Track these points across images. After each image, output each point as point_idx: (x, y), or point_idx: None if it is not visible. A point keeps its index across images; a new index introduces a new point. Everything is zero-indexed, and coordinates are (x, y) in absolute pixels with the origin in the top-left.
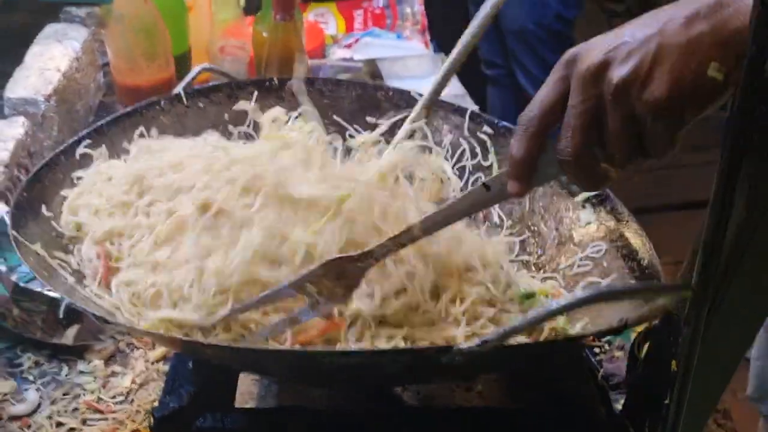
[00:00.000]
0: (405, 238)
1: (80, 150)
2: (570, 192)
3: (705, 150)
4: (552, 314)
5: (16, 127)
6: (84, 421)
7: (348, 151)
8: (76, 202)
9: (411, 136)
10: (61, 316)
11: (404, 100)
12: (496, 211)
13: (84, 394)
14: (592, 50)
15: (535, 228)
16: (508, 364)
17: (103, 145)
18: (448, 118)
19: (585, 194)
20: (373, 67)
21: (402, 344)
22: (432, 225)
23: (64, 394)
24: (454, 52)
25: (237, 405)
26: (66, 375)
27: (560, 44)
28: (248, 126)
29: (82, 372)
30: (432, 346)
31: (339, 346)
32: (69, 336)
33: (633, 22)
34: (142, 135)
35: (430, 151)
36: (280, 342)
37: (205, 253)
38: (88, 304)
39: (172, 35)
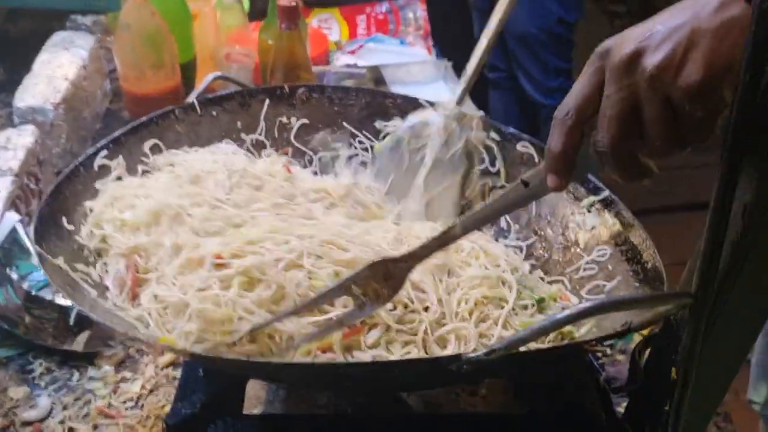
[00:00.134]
0: (447, 238)
1: (98, 161)
2: (575, 197)
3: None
4: (557, 325)
5: (26, 136)
6: (95, 427)
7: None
8: (102, 216)
9: None
10: (71, 323)
11: (412, 106)
12: (503, 216)
13: (95, 400)
14: (625, 41)
15: (542, 232)
16: (514, 370)
17: (120, 156)
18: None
19: (590, 198)
20: (376, 73)
21: (416, 351)
22: (472, 224)
23: (75, 400)
24: (470, 67)
25: (245, 410)
26: (77, 381)
27: (562, 48)
28: (260, 134)
29: (92, 378)
30: (441, 356)
31: (356, 353)
32: (80, 342)
33: (663, 13)
34: (156, 146)
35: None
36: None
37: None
38: (111, 319)
39: (178, 43)
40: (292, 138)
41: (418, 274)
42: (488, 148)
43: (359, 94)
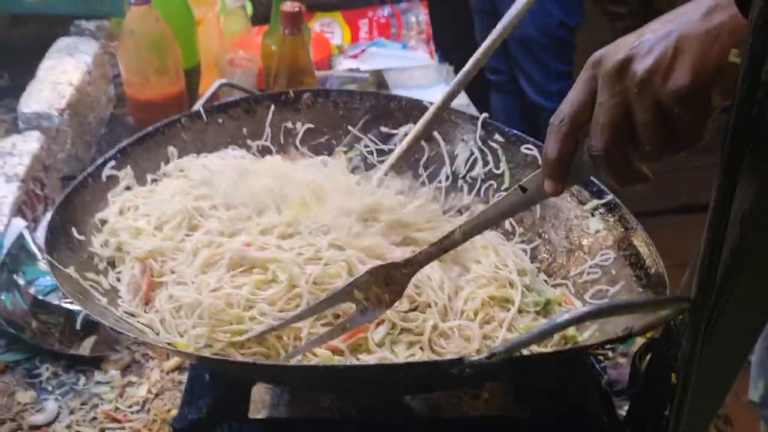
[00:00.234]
0: (447, 243)
1: (106, 171)
2: (579, 200)
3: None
4: (558, 328)
5: (32, 142)
6: (102, 431)
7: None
8: (116, 225)
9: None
10: (78, 327)
11: (417, 110)
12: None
13: (101, 404)
14: (616, 49)
15: (546, 235)
16: (516, 373)
17: (129, 166)
18: (459, 126)
19: (594, 202)
20: (379, 77)
21: (420, 352)
22: (471, 229)
23: (82, 404)
24: (464, 69)
25: (251, 414)
26: (84, 385)
27: (562, 51)
28: (266, 139)
29: (99, 382)
30: (443, 359)
31: (361, 356)
32: (86, 347)
33: (653, 22)
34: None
35: None
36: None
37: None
38: (121, 325)
39: (182, 49)
40: (297, 143)
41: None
42: (492, 150)
43: (364, 98)
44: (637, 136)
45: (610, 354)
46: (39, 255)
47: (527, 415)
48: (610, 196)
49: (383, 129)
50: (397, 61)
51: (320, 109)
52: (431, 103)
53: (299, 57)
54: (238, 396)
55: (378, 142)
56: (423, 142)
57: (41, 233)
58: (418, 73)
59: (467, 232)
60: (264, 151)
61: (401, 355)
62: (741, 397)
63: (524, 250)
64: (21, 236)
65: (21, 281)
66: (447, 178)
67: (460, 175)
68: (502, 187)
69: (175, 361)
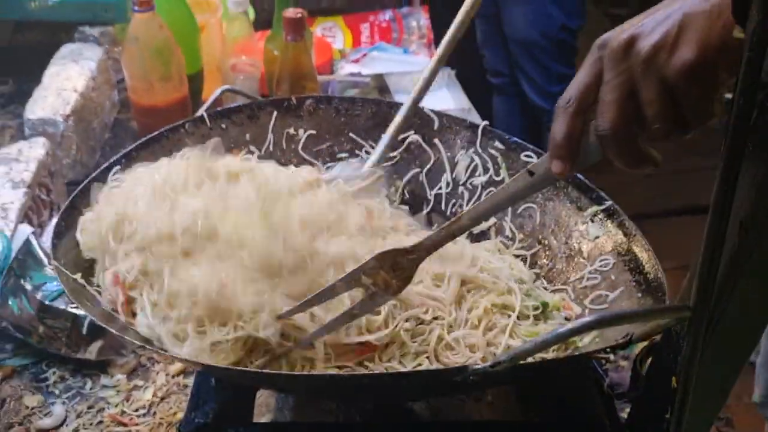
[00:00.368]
0: (455, 228)
1: (111, 176)
2: (579, 206)
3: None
4: (559, 338)
5: (37, 148)
6: None
7: None
8: (87, 227)
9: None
10: (84, 332)
11: (418, 116)
12: (507, 225)
13: (108, 408)
14: (621, 31)
15: (546, 241)
16: (518, 379)
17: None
18: (460, 133)
19: (593, 208)
20: (380, 81)
21: (427, 363)
22: (480, 214)
23: (88, 408)
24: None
25: (255, 418)
26: (90, 389)
27: (564, 54)
28: (268, 145)
29: (105, 386)
30: (448, 367)
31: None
32: (92, 351)
33: (657, 6)
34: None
35: None
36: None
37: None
38: (127, 332)
39: (185, 55)
40: (299, 149)
41: (430, 280)
42: (492, 158)
43: (365, 105)
44: (644, 114)
45: (612, 357)
46: (45, 260)
47: (530, 419)
48: (609, 202)
49: (384, 136)
50: (399, 66)
51: (322, 115)
52: (432, 110)
53: (301, 62)
54: (244, 400)
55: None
56: (427, 148)
57: (47, 238)
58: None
59: (474, 218)
60: (266, 157)
61: (408, 365)
62: (743, 398)
63: (524, 256)
64: (28, 242)
65: (28, 286)
66: (447, 185)
67: (461, 182)
68: None
69: (180, 365)
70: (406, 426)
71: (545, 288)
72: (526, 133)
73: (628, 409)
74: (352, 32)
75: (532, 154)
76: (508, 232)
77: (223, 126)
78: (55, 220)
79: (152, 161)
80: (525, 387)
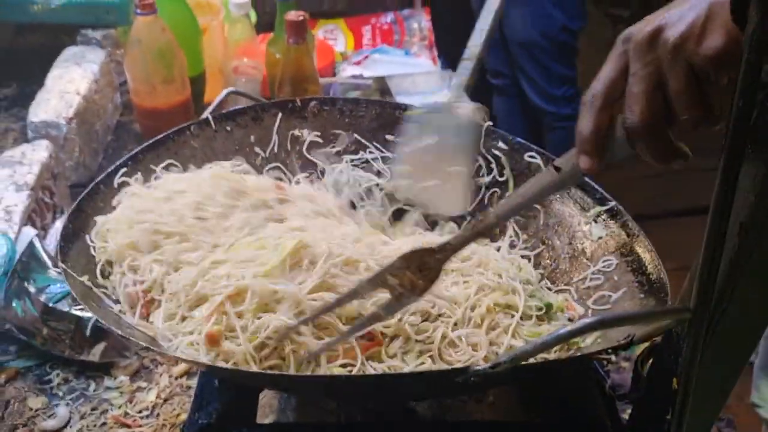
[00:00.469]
0: (481, 227)
1: (118, 179)
2: (582, 207)
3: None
4: (560, 340)
5: (41, 151)
6: None
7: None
8: (105, 227)
9: None
10: (87, 334)
11: None
12: (511, 225)
13: (111, 409)
14: (646, 23)
15: (549, 242)
16: (520, 380)
17: (139, 173)
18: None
19: (597, 209)
20: (382, 83)
21: (429, 362)
22: (506, 211)
23: (92, 409)
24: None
25: (259, 419)
26: (94, 391)
27: (565, 55)
28: (273, 147)
29: (108, 388)
30: (449, 369)
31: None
32: (96, 353)
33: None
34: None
35: None
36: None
37: None
38: (133, 333)
39: (188, 57)
40: (304, 150)
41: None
42: (496, 158)
43: (369, 106)
44: (672, 105)
45: (614, 358)
46: (49, 263)
47: (531, 419)
48: (612, 203)
49: (388, 137)
50: (400, 68)
51: (326, 117)
52: None
53: (303, 65)
54: (247, 402)
55: (383, 150)
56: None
57: (50, 241)
58: (421, 79)
59: (500, 215)
60: (270, 159)
61: (411, 363)
62: (744, 399)
63: (528, 257)
64: (31, 244)
65: (32, 289)
66: None
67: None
68: (506, 195)
69: (183, 366)
70: (408, 427)
71: (549, 288)
72: (527, 134)
73: (629, 410)
74: (353, 34)
75: (535, 155)
76: (510, 232)
77: (228, 128)
78: (58, 223)
79: (158, 163)
80: (527, 388)
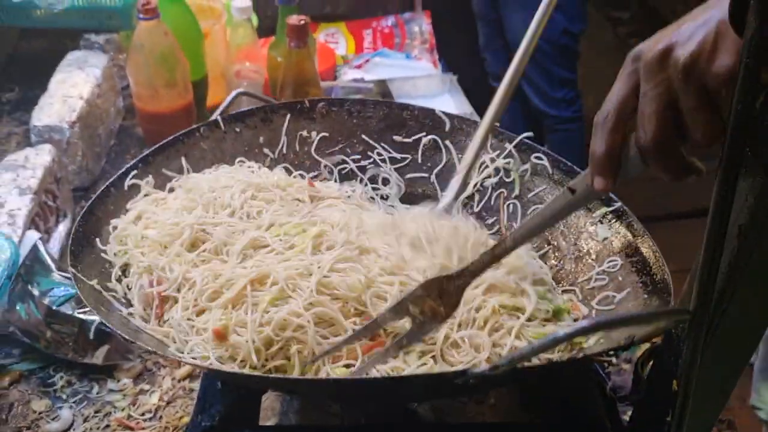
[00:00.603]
0: (499, 251)
1: (128, 181)
2: (588, 208)
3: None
4: (557, 342)
5: (44, 155)
6: None
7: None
8: (125, 233)
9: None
10: (91, 337)
11: (430, 119)
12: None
13: (114, 412)
14: (655, 41)
15: (555, 242)
16: (520, 381)
17: (150, 175)
18: (471, 135)
19: (603, 209)
20: (383, 87)
21: (431, 362)
22: (523, 235)
23: (95, 412)
24: (487, 117)
25: (261, 421)
26: (97, 393)
27: (567, 58)
28: (281, 148)
29: (112, 390)
30: (448, 371)
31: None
32: (99, 356)
33: (688, 15)
34: (181, 166)
35: None
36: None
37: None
38: (144, 338)
39: (190, 61)
40: (312, 151)
41: None
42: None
43: (377, 107)
44: (685, 124)
45: (614, 360)
46: (53, 266)
47: (532, 421)
48: (618, 204)
49: (396, 138)
50: (401, 71)
51: (334, 117)
52: (443, 112)
53: (305, 69)
54: (250, 404)
55: (391, 151)
56: (442, 149)
57: (54, 244)
58: (422, 82)
59: (518, 239)
60: (280, 160)
61: (412, 364)
62: (746, 401)
63: (533, 257)
64: (35, 248)
65: (35, 292)
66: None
67: (471, 183)
68: (513, 195)
69: (186, 369)
70: (410, 429)
71: (554, 288)
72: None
73: (630, 412)
74: (354, 38)
75: (542, 156)
76: None
77: (237, 129)
78: (62, 227)
79: (168, 166)
80: (528, 389)
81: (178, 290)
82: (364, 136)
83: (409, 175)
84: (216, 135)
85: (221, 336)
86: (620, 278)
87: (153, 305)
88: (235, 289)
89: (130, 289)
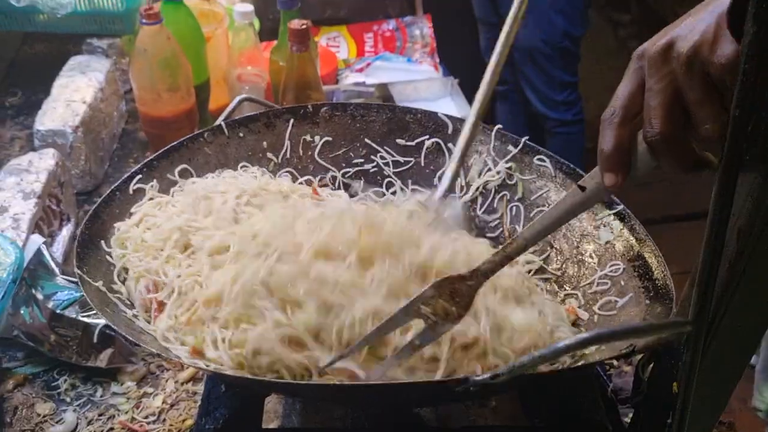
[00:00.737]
0: (510, 251)
1: (133, 185)
2: (591, 211)
3: None
4: (557, 354)
5: (47, 159)
6: None
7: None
8: (126, 236)
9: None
10: (95, 340)
11: (433, 122)
12: (520, 229)
13: (118, 415)
14: (658, 38)
15: (558, 246)
16: (520, 388)
17: (155, 180)
18: (473, 137)
19: (605, 213)
20: (384, 91)
21: (443, 366)
22: (534, 234)
23: (99, 415)
24: (476, 101)
25: (264, 424)
26: (101, 396)
27: (567, 61)
28: (285, 152)
29: (115, 393)
30: (449, 378)
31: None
32: (103, 359)
33: (690, 11)
34: (186, 170)
35: None
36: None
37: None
38: (147, 340)
39: (192, 66)
40: (316, 155)
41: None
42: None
43: (380, 111)
44: (693, 116)
45: (615, 363)
46: (57, 270)
47: (534, 424)
48: (620, 206)
49: (399, 141)
50: (402, 75)
51: (338, 122)
52: (446, 115)
53: (307, 72)
54: (253, 407)
55: (394, 154)
56: (445, 151)
57: (57, 248)
58: (423, 86)
59: (529, 238)
60: (283, 164)
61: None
62: (747, 403)
63: (534, 262)
64: (39, 252)
65: (39, 296)
66: (461, 188)
67: (474, 186)
68: (515, 198)
69: (189, 372)
70: (412, 431)
71: (556, 293)
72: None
73: (631, 415)
74: (356, 42)
75: (545, 158)
76: None
77: (241, 134)
78: (65, 230)
79: (172, 170)
80: (529, 393)
81: (170, 295)
82: (367, 140)
83: (412, 178)
84: (220, 140)
85: (198, 353)
86: (622, 283)
87: (152, 309)
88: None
89: (130, 293)
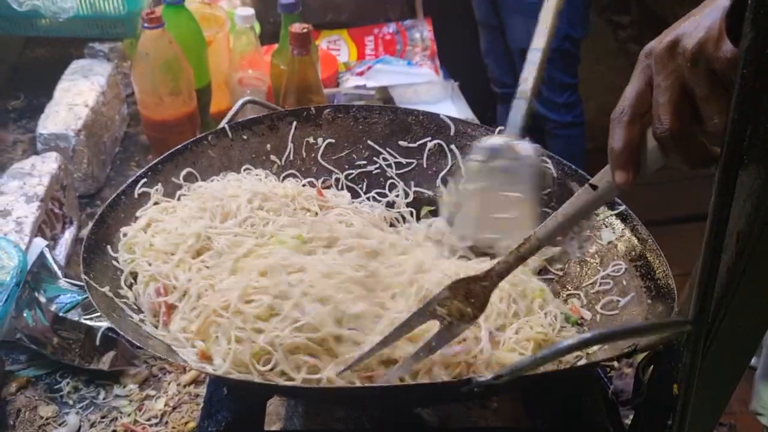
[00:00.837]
0: (524, 251)
1: (138, 189)
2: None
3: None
4: (558, 354)
5: (50, 163)
6: None
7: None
8: (134, 240)
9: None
10: (97, 343)
11: (435, 124)
12: None
13: (121, 417)
14: (664, 36)
15: (560, 246)
16: (523, 388)
17: (159, 183)
18: (476, 139)
19: (607, 213)
20: (385, 94)
21: (437, 369)
22: (547, 234)
23: (102, 418)
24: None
25: (266, 426)
26: (103, 399)
27: (568, 64)
28: (288, 155)
29: (118, 396)
30: (453, 379)
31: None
32: (105, 362)
33: (695, 10)
34: (190, 174)
35: None
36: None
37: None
38: (154, 345)
39: (194, 69)
40: (319, 157)
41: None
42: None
43: (383, 112)
44: (700, 112)
45: (616, 364)
46: (59, 273)
47: (535, 425)
48: (622, 207)
49: (402, 143)
50: (403, 78)
51: (340, 124)
52: (448, 117)
53: (308, 76)
54: (256, 410)
55: (397, 156)
56: (447, 153)
57: (60, 251)
58: (423, 89)
59: (542, 238)
60: (287, 167)
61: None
62: (748, 404)
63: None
64: (42, 255)
65: (42, 299)
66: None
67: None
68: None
69: (191, 375)
70: None
71: (559, 292)
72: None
73: (631, 416)
74: (356, 45)
75: (547, 160)
76: None
77: (245, 137)
78: (68, 233)
79: (177, 174)
80: (531, 394)
81: (181, 299)
82: (369, 142)
83: (414, 180)
84: (223, 143)
85: (206, 357)
86: (624, 282)
87: (160, 313)
88: (206, 313)
89: (138, 297)
